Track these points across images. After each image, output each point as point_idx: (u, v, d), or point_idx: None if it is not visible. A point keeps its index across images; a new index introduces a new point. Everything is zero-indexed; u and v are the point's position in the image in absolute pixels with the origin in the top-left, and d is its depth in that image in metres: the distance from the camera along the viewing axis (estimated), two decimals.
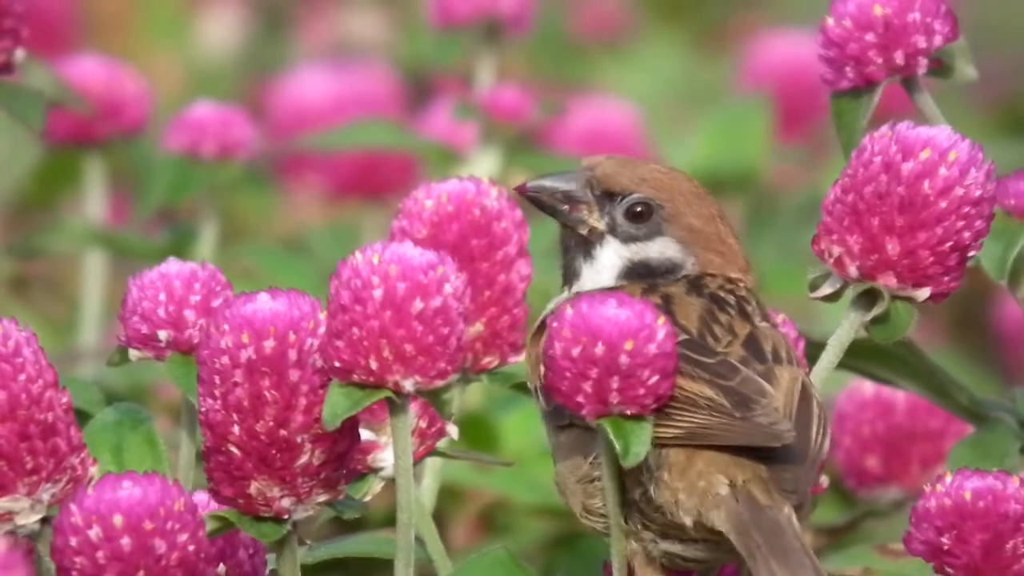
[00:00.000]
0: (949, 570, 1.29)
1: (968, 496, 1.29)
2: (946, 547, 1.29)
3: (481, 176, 1.44)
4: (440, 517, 1.75)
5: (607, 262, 1.34)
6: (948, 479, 1.30)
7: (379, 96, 2.38)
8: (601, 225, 1.34)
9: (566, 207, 1.35)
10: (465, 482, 1.76)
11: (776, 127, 2.30)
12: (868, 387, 1.66)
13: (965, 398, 1.49)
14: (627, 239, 1.34)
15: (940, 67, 1.42)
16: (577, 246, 1.35)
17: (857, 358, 1.48)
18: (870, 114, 1.39)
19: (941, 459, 1.63)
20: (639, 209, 1.34)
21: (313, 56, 2.66)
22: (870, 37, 1.40)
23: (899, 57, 1.40)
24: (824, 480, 1.39)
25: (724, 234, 1.35)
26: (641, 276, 1.34)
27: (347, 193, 2.31)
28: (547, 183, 1.35)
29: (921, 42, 1.40)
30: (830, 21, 1.40)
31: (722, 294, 1.32)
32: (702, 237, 1.34)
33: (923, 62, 1.40)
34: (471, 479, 1.75)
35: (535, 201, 1.36)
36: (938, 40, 1.40)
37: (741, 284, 1.34)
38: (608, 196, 1.34)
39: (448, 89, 2.37)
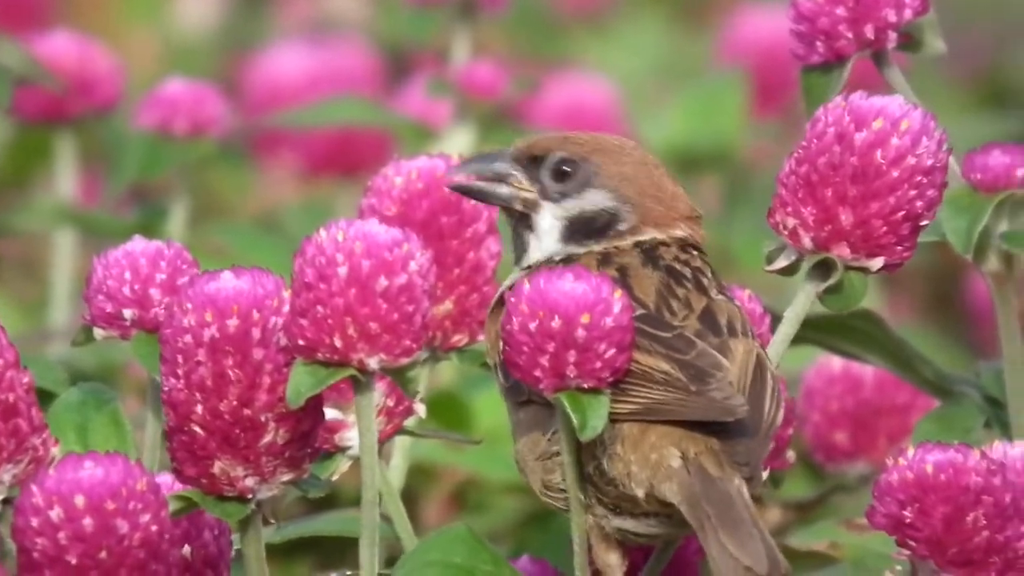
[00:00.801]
0: (911, 543, 1.29)
1: (929, 469, 1.29)
2: (908, 520, 1.29)
3: (452, 153, 1.43)
4: (412, 496, 1.75)
5: (546, 226, 1.34)
6: (910, 453, 1.30)
7: (356, 73, 2.36)
8: (533, 193, 1.34)
9: (497, 187, 1.34)
10: (437, 460, 1.75)
11: (752, 103, 2.29)
12: (837, 363, 1.66)
13: (931, 373, 1.49)
14: (559, 198, 1.33)
15: (909, 41, 1.42)
16: (519, 222, 1.35)
17: (823, 333, 1.48)
18: (840, 88, 1.39)
19: (908, 433, 1.63)
20: (564, 168, 1.33)
21: (291, 33, 2.64)
22: (840, 11, 1.40)
23: (869, 31, 1.40)
24: (791, 455, 1.39)
25: (659, 179, 1.34)
26: (586, 235, 1.33)
27: (322, 170, 2.30)
28: (473, 165, 1.35)
29: (891, 16, 1.40)
30: None
31: (678, 266, 1.32)
32: (635, 185, 1.33)
33: (892, 36, 1.40)
34: (443, 457, 1.75)
35: (465, 193, 1.36)
36: (908, 14, 1.40)
37: (695, 253, 1.34)
38: (534, 163, 1.34)
39: (425, 66, 2.36)
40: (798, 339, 1.45)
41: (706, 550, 1.24)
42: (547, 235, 1.34)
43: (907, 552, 1.30)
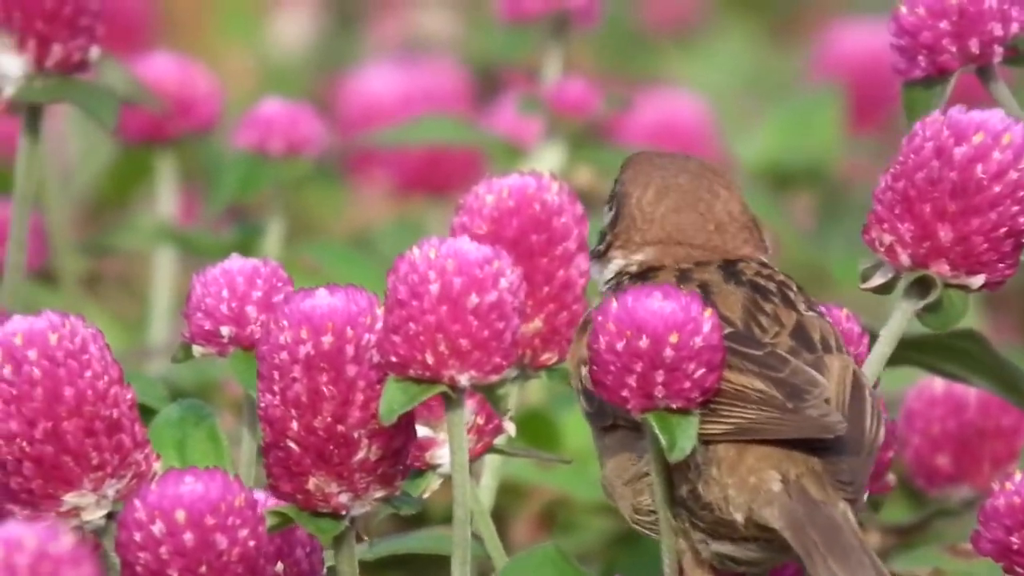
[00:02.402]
0: (1019, 570, 1.28)
1: None
2: (1016, 547, 1.27)
3: (543, 171, 1.43)
4: (501, 515, 1.76)
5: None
6: (1017, 477, 1.28)
7: (447, 91, 2.38)
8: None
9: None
10: (526, 479, 1.76)
11: (848, 119, 2.26)
12: (938, 384, 1.63)
13: None
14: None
15: (1016, 55, 1.39)
16: None
17: (925, 353, 1.46)
18: (943, 104, 1.36)
19: (1014, 457, 1.60)
20: (613, 189, 1.34)
21: (383, 52, 2.67)
22: (944, 25, 1.37)
23: (974, 45, 1.38)
24: (892, 479, 1.37)
25: (649, 204, 1.31)
26: (595, 244, 1.34)
27: (413, 189, 2.32)
28: None
29: (997, 29, 1.38)
30: (903, 9, 1.38)
31: (762, 281, 1.30)
32: (628, 208, 1.32)
33: (998, 50, 1.38)
34: (532, 476, 1.75)
35: None
36: (1015, 27, 1.38)
37: (778, 269, 1.32)
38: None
39: (517, 84, 2.37)
40: (898, 359, 1.43)
41: None
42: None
43: None
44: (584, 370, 1.29)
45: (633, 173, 1.33)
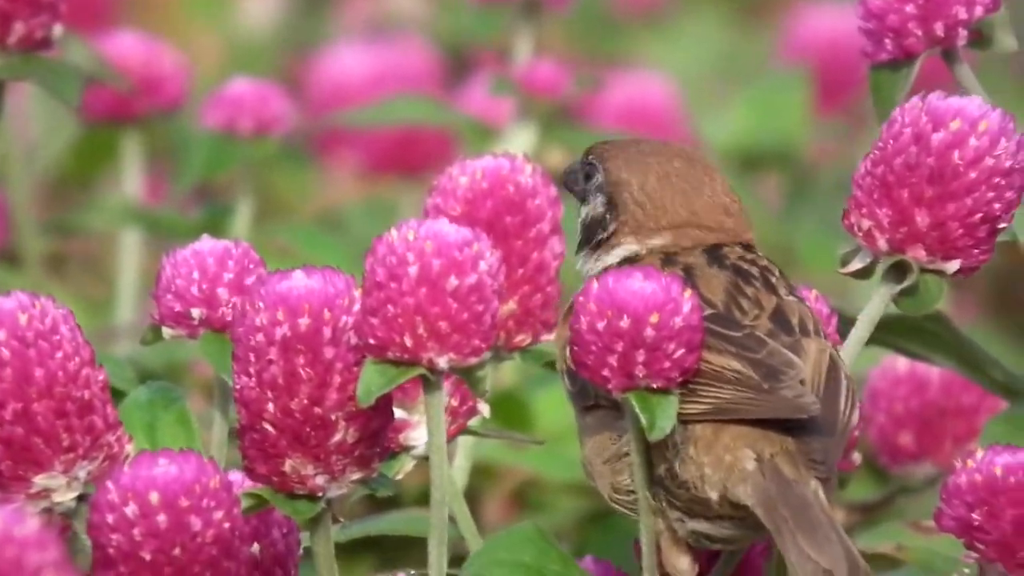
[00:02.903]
0: (980, 546, 1.28)
1: (999, 472, 1.28)
2: (977, 523, 1.28)
3: (516, 152, 1.43)
4: (473, 495, 1.75)
5: (578, 226, 1.36)
6: (979, 455, 1.29)
7: (417, 72, 2.37)
8: (580, 191, 1.36)
9: (573, 184, 1.37)
10: (498, 460, 1.76)
11: (815, 101, 2.27)
12: (902, 363, 1.65)
13: (999, 374, 1.48)
14: (584, 202, 1.35)
15: (980, 38, 1.40)
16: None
17: (890, 333, 1.47)
18: (909, 86, 1.37)
19: (975, 435, 1.62)
20: (587, 171, 1.35)
21: (353, 32, 2.65)
22: (910, 8, 1.38)
23: (939, 28, 1.39)
24: (857, 457, 1.38)
25: (654, 190, 1.32)
26: (587, 242, 1.34)
27: (384, 170, 2.31)
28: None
29: (961, 13, 1.38)
30: None
31: (745, 265, 1.31)
32: (631, 191, 1.32)
33: (963, 33, 1.39)
34: (504, 457, 1.75)
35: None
36: (978, 11, 1.39)
37: (762, 254, 1.33)
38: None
39: (487, 65, 2.36)
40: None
41: (784, 554, 1.23)
42: (581, 234, 1.36)
43: (975, 555, 1.29)
44: (568, 351, 1.29)
45: (623, 161, 1.34)
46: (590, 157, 1.35)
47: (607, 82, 2.20)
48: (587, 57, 2.61)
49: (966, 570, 1.30)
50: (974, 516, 1.28)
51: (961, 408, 1.64)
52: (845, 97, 2.35)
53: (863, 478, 1.72)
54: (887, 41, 1.39)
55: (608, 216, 1.34)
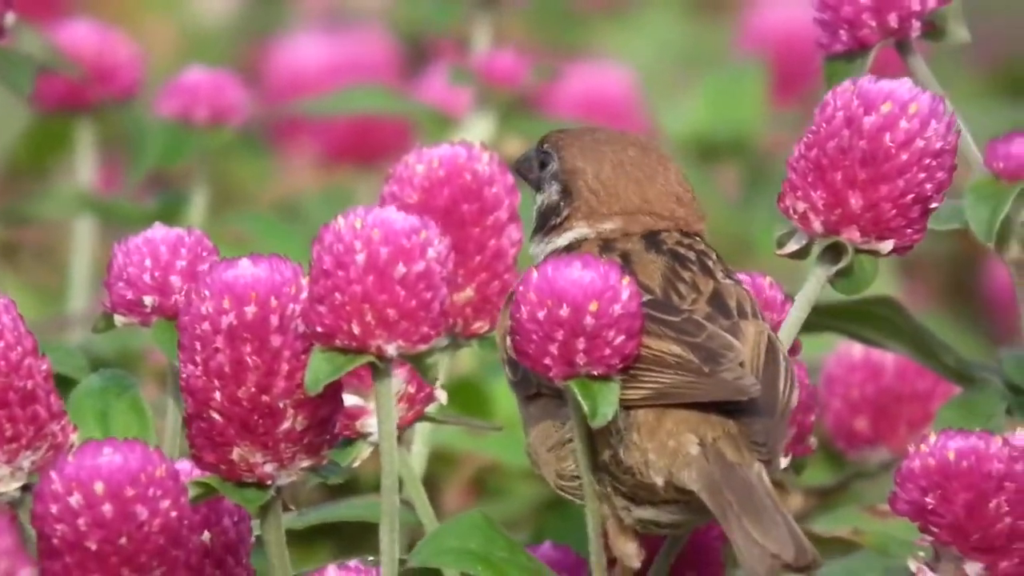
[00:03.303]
0: (934, 529, 1.29)
1: (952, 456, 1.28)
2: (930, 507, 1.28)
3: (473, 141, 1.43)
4: (433, 482, 1.76)
5: (534, 213, 1.37)
6: (932, 439, 1.29)
7: (376, 61, 2.36)
8: (535, 179, 1.37)
9: (528, 172, 1.38)
10: (457, 447, 1.76)
11: (772, 92, 2.28)
12: (857, 350, 1.66)
13: (952, 360, 1.49)
14: (539, 190, 1.36)
15: (933, 29, 1.41)
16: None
17: (844, 320, 1.48)
18: (863, 77, 1.38)
19: (929, 420, 1.63)
20: (542, 159, 1.36)
21: (310, 21, 2.64)
22: (864, 0, 1.39)
23: (893, 20, 1.40)
24: (813, 442, 1.39)
25: (608, 178, 1.33)
26: (540, 229, 1.35)
27: (342, 158, 2.30)
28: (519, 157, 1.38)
29: (915, 4, 1.40)
30: None
31: (682, 250, 1.32)
32: (586, 179, 1.33)
33: (916, 25, 1.40)
34: (463, 444, 1.75)
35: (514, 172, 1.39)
36: (932, 2, 1.40)
37: (699, 239, 1.33)
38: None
39: (446, 54, 2.36)
40: (819, 326, 1.45)
41: (730, 538, 1.24)
42: (534, 221, 1.36)
43: (930, 538, 1.29)
44: (509, 340, 1.29)
45: (578, 150, 1.34)
46: (545, 145, 1.36)
47: (566, 72, 2.21)
48: (548, 48, 2.61)
49: (921, 553, 1.30)
50: (928, 500, 1.28)
51: (916, 393, 1.66)
52: (801, 88, 2.36)
53: (819, 463, 1.73)
54: (842, 32, 1.40)
55: (562, 203, 1.34)
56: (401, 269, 1.24)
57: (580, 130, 1.36)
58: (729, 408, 1.27)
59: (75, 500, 1.20)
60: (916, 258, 2.28)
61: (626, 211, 1.33)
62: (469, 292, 1.40)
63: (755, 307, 1.31)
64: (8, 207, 2.02)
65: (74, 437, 1.27)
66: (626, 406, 1.26)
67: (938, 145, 1.32)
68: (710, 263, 1.32)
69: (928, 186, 1.31)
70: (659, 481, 1.27)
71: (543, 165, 1.35)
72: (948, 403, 1.46)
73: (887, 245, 1.32)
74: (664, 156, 1.35)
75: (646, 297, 1.28)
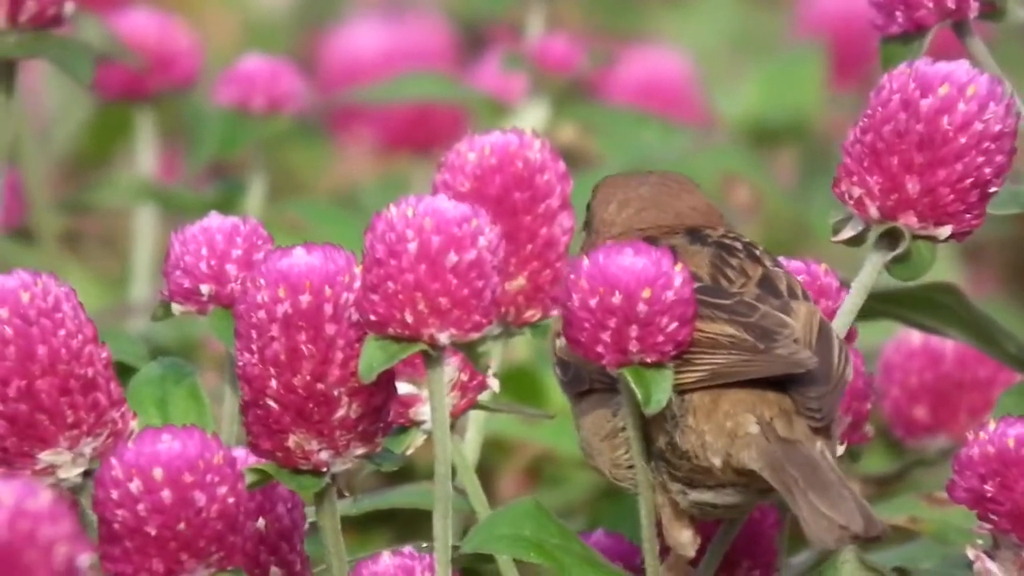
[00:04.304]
0: (993, 517, 1.28)
1: (1011, 443, 1.27)
2: (990, 494, 1.28)
3: (526, 128, 1.43)
4: (488, 470, 1.76)
5: None
6: (991, 426, 1.28)
7: (431, 48, 2.37)
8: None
9: None
10: (512, 435, 1.76)
11: (830, 75, 2.26)
12: (916, 337, 1.64)
13: (1013, 346, 1.47)
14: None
15: (992, 10, 1.39)
16: None
17: (903, 306, 1.46)
18: (920, 59, 1.36)
19: (989, 408, 1.61)
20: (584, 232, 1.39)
21: (367, 9, 2.65)
22: None
23: (950, 0, 1.37)
24: (870, 429, 1.38)
25: (611, 213, 1.34)
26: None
27: (398, 146, 2.31)
28: None
29: None
30: None
31: (727, 241, 1.32)
32: (596, 218, 1.36)
33: (974, 5, 1.38)
34: (517, 432, 1.75)
35: None
36: None
37: (744, 235, 1.33)
38: None
39: (500, 41, 2.36)
40: (877, 313, 1.44)
41: (797, 513, 1.22)
42: None
43: (988, 526, 1.28)
44: (559, 342, 1.30)
45: (601, 197, 1.36)
46: (592, 192, 1.38)
47: (622, 58, 2.20)
48: (603, 33, 2.60)
49: (979, 541, 1.29)
50: (987, 487, 1.27)
51: (976, 381, 1.64)
52: (859, 70, 2.33)
53: (878, 451, 1.72)
54: (898, 14, 1.38)
55: (586, 240, 1.37)
56: (453, 258, 1.24)
57: (616, 176, 1.37)
58: (785, 385, 1.25)
59: (135, 486, 1.22)
60: (979, 243, 2.25)
61: (619, 234, 1.34)
62: (521, 280, 1.40)
63: (804, 291, 1.30)
64: (71, 196, 2.05)
65: (134, 424, 1.29)
66: (681, 390, 1.26)
67: (997, 128, 1.30)
68: (757, 252, 1.32)
69: (987, 170, 1.30)
70: (717, 463, 1.26)
71: (587, 208, 1.38)
72: (1009, 390, 1.44)
73: (945, 231, 1.30)
74: (680, 187, 1.34)
75: (695, 284, 1.27)
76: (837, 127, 2.31)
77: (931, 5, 1.38)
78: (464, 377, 1.38)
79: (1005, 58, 1.45)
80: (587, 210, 1.37)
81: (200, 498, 1.22)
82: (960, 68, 1.30)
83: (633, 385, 1.25)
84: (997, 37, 1.51)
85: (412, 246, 1.24)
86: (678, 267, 1.25)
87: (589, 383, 1.30)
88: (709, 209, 1.35)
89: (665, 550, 1.31)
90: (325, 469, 1.26)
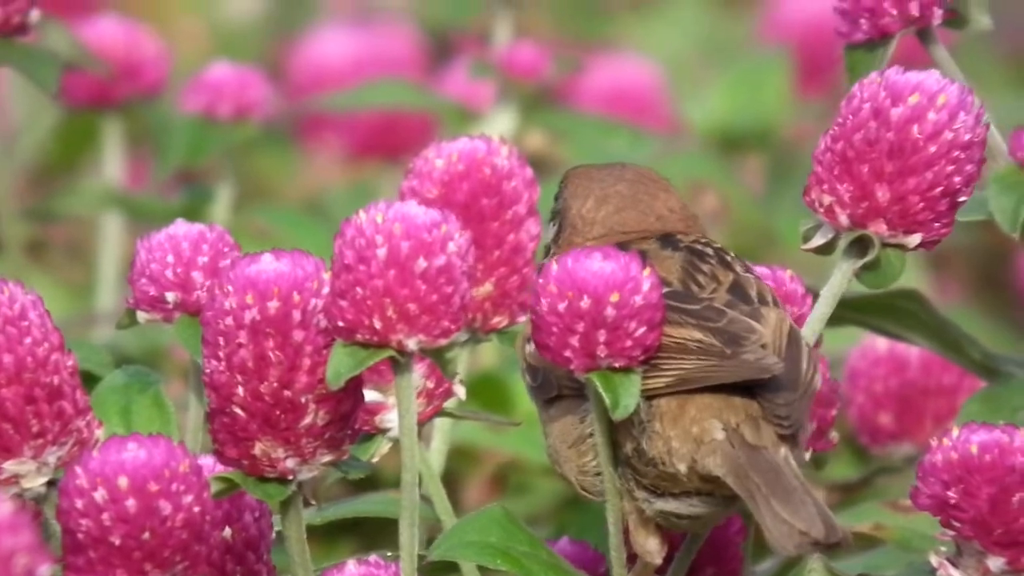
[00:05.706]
0: (956, 524, 1.28)
1: (974, 450, 1.27)
2: (953, 501, 1.28)
3: (494, 135, 1.43)
4: (454, 477, 1.76)
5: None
6: (955, 433, 1.29)
7: (400, 56, 2.37)
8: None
9: None
10: (478, 442, 1.76)
11: (796, 82, 2.27)
12: (881, 343, 1.65)
13: (978, 353, 1.48)
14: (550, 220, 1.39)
15: (955, 17, 1.40)
16: None
17: (869, 313, 1.47)
18: (884, 66, 1.37)
19: (954, 414, 1.61)
20: (556, 192, 1.38)
21: (335, 17, 2.65)
22: None
23: (914, 8, 1.38)
24: (835, 436, 1.38)
25: (589, 211, 1.34)
26: (546, 251, 1.37)
27: (366, 153, 2.31)
28: None
29: None
30: None
31: (699, 247, 1.32)
32: (568, 215, 1.35)
33: (938, 12, 1.39)
34: (483, 439, 1.75)
35: None
36: None
37: (715, 241, 1.34)
38: None
39: (468, 48, 2.36)
40: (842, 319, 1.44)
41: (758, 520, 1.23)
42: None
43: (952, 533, 1.29)
44: (528, 347, 1.30)
45: (573, 188, 1.36)
46: (561, 180, 1.37)
47: (589, 65, 2.20)
48: (571, 40, 2.60)
49: (943, 548, 1.30)
50: (950, 494, 1.27)
51: (941, 388, 1.64)
52: (825, 78, 2.35)
53: (843, 458, 1.72)
54: (862, 21, 1.39)
55: (559, 234, 1.36)
56: (422, 263, 1.24)
57: (587, 168, 1.37)
58: (752, 391, 1.26)
59: (99, 495, 1.21)
60: (946, 251, 2.26)
61: (600, 235, 1.33)
62: (488, 287, 1.40)
63: (775, 297, 1.31)
64: (37, 204, 2.04)
65: (99, 433, 1.28)
66: (648, 396, 1.26)
67: (967, 137, 1.31)
68: (728, 258, 1.32)
69: (956, 179, 1.30)
70: (683, 469, 1.26)
71: (555, 199, 1.37)
72: (973, 397, 1.45)
73: (915, 239, 1.31)
74: (656, 186, 1.34)
75: (665, 289, 1.28)
76: (804, 134, 2.32)
77: (895, 12, 1.39)
78: (430, 384, 1.38)
79: (967, 66, 1.46)
80: (556, 200, 1.37)
81: (165, 507, 1.21)
82: (931, 77, 1.31)
83: (601, 390, 1.25)
84: (960, 44, 1.52)
85: (381, 252, 1.24)
86: (646, 272, 1.26)
87: (558, 389, 1.30)
88: (685, 210, 1.35)
89: (631, 558, 1.31)
90: (291, 477, 1.26)
